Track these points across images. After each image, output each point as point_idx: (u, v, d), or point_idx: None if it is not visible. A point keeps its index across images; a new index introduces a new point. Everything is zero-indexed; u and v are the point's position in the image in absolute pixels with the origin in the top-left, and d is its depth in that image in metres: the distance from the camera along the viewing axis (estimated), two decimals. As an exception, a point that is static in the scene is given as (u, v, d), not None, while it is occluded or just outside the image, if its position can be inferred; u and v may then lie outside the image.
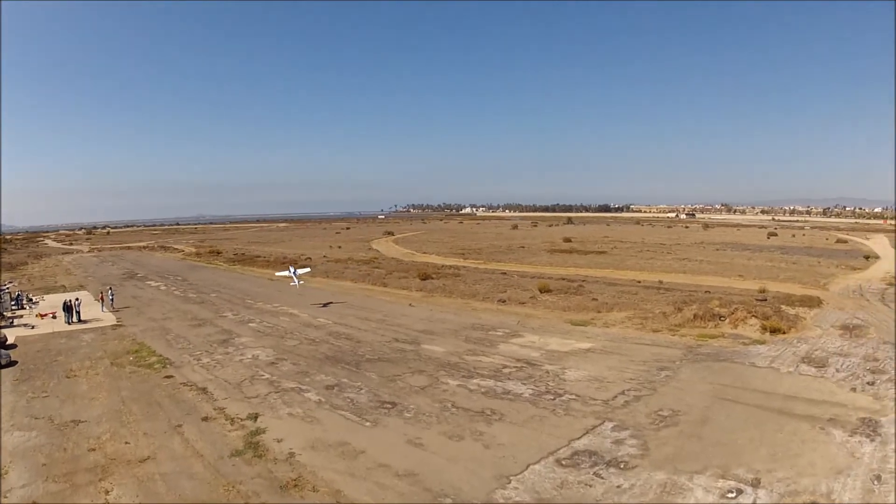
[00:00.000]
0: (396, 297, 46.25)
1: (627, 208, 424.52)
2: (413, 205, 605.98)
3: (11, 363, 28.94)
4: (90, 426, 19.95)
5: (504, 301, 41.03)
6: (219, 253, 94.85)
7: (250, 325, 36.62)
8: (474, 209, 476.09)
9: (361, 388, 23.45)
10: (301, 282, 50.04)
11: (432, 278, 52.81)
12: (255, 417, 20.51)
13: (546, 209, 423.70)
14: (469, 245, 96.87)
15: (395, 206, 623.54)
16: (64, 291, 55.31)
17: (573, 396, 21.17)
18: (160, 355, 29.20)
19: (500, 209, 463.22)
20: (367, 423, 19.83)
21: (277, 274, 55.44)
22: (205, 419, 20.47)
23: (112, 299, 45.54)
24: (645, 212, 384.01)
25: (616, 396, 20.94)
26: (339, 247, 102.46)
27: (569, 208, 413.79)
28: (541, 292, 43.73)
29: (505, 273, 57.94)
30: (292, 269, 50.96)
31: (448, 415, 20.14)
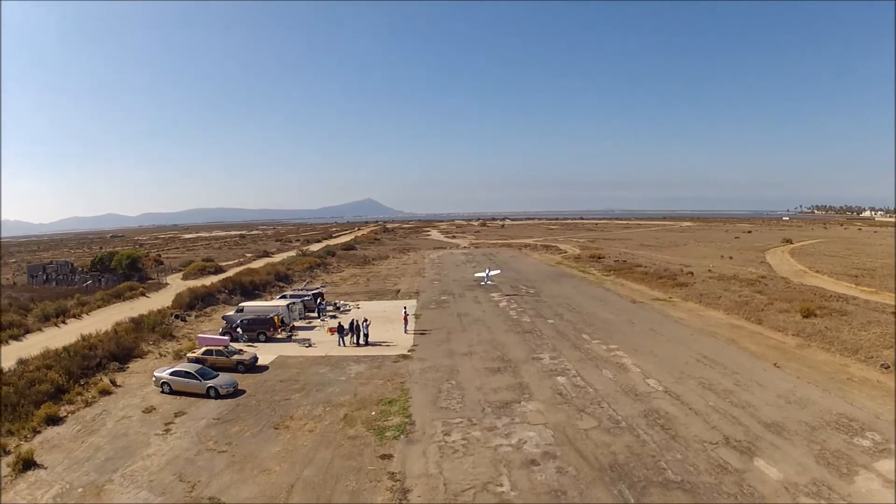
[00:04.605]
0: (765, 344, 36.29)
1: None
2: (817, 205, 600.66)
3: (234, 394, 26.10)
4: (218, 514, 17.18)
5: (888, 367, 30.54)
6: (600, 258, 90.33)
7: (558, 378, 29.12)
8: (873, 213, 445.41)
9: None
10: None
11: (815, 315, 42.59)
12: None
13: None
14: (863, 262, 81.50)
15: (801, 206, 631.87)
16: (393, 298, 54.79)
17: None
18: (408, 416, 24.31)
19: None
20: None
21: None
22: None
23: (406, 322, 41.49)
24: None
25: None
26: (731, 257, 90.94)
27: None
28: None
29: (896, 314, 43.42)
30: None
31: None
